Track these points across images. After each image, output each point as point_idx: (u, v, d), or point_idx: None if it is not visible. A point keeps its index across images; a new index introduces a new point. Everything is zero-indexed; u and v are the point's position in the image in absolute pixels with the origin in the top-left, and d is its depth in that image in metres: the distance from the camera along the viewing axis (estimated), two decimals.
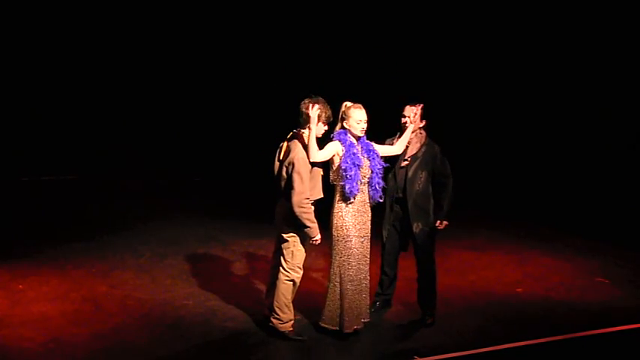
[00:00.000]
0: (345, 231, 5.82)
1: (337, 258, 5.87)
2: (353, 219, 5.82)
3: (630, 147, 9.75)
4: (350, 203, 5.82)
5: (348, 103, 5.91)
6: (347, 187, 5.76)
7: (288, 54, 12.50)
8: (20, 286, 7.02)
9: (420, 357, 5.59)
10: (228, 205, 10.89)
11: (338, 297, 5.90)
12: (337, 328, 5.95)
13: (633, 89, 9.76)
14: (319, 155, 5.70)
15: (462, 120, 11.78)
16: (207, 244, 8.60)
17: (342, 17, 12.09)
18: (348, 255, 5.83)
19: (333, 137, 5.87)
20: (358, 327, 5.97)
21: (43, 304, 6.56)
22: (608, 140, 10.04)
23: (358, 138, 5.89)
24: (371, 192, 5.91)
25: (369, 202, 5.95)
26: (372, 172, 5.87)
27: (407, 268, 7.90)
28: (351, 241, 5.82)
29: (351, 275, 5.84)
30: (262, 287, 7.14)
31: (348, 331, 5.91)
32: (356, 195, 5.79)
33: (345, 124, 5.87)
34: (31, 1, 12.26)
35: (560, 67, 10.57)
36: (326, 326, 6.00)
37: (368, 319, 6.09)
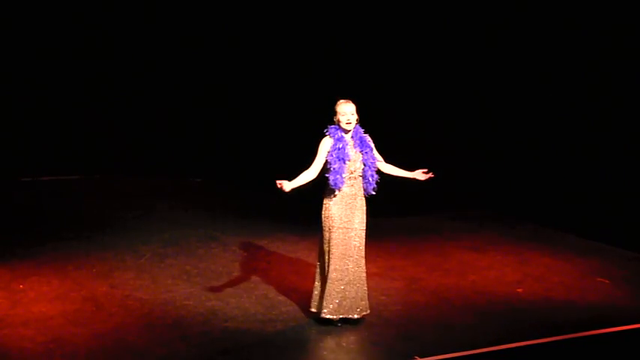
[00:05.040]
0: (329, 222, 6.05)
1: (321, 246, 6.13)
2: (338, 211, 6.02)
3: (630, 146, 9.74)
4: (336, 196, 6.03)
5: (341, 100, 6.13)
6: (331, 180, 6.00)
7: (287, 56, 12.50)
8: (21, 286, 7.03)
9: (420, 357, 5.60)
10: (228, 205, 10.89)
11: (319, 282, 6.15)
12: (316, 310, 6.16)
13: (635, 89, 9.74)
14: (313, 169, 6.01)
15: (461, 119, 11.77)
16: (208, 244, 8.61)
17: (342, 17, 12.10)
18: (331, 245, 6.04)
19: (325, 132, 6.11)
20: (345, 316, 6.09)
21: (43, 304, 6.57)
22: (609, 140, 10.02)
23: (349, 132, 6.07)
24: (364, 184, 6.10)
25: (364, 195, 6.11)
26: (364, 165, 6.05)
27: (406, 268, 7.92)
28: (334, 231, 6.02)
29: (335, 263, 6.02)
30: (263, 287, 7.15)
31: (325, 316, 6.05)
32: (341, 188, 6.00)
33: (334, 119, 6.11)
34: (31, 1, 12.26)
35: (563, 64, 10.56)
36: (314, 311, 6.21)
37: (367, 312, 6.19)
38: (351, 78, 11.06)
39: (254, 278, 7.44)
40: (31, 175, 12.18)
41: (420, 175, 6.23)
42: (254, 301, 6.76)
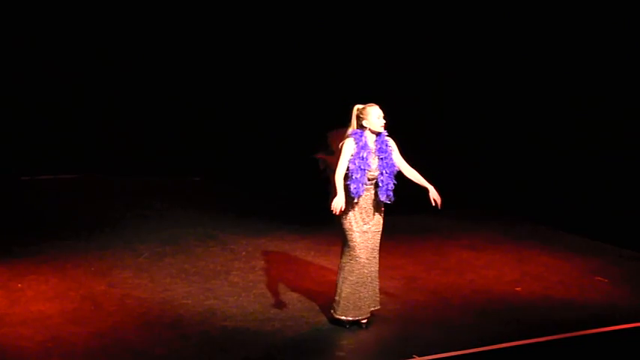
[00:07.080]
0: (347, 224, 6.00)
1: (343, 248, 6.09)
2: (355, 213, 5.98)
3: (630, 145, 9.74)
4: (354, 198, 5.94)
5: (360, 105, 5.99)
6: (352, 187, 5.89)
7: (287, 55, 12.49)
8: (19, 285, 7.02)
9: (419, 356, 5.59)
10: (226, 203, 10.88)
11: (340, 283, 6.05)
12: (332, 311, 6.11)
13: (635, 88, 9.74)
14: (342, 172, 5.88)
15: (461, 118, 11.78)
16: (207, 243, 8.59)
17: (344, 17, 12.10)
18: (350, 247, 6.01)
19: (349, 135, 5.97)
20: (356, 318, 6.05)
21: (41, 303, 6.56)
22: (609, 139, 10.03)
23: (378, 134, 5.97)
24: (378, 190, 5.98)
25: (381, 199, 6.02)
26: (380, 172, 5.96)
27: (406, 267, 7.92)
28: (352, 234, 5.98)
29: (353, 266, 6.00)
30: (261, 286, 7.15)
31: (340, 317, 6.04)
32: (361, 195, 5.94)
33: (363, 124, 5.94)
34: (30, 0, 12.25)
35: (562, 63, 10.56)
36: (337, 317, 6.12)
37: (378, 307, 6.16)
38: (350, 78, 11.07)
39: (252, 277, 7.44)
40: (31, 174, 12.16)
41: (434, 193, 6.05)
42: (252, 300, 6.76)
